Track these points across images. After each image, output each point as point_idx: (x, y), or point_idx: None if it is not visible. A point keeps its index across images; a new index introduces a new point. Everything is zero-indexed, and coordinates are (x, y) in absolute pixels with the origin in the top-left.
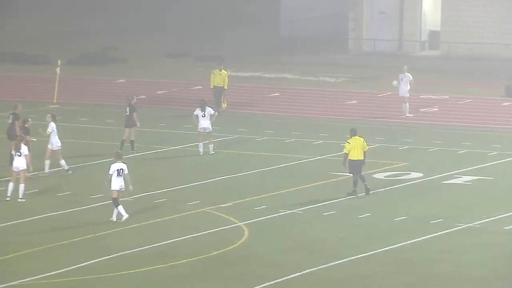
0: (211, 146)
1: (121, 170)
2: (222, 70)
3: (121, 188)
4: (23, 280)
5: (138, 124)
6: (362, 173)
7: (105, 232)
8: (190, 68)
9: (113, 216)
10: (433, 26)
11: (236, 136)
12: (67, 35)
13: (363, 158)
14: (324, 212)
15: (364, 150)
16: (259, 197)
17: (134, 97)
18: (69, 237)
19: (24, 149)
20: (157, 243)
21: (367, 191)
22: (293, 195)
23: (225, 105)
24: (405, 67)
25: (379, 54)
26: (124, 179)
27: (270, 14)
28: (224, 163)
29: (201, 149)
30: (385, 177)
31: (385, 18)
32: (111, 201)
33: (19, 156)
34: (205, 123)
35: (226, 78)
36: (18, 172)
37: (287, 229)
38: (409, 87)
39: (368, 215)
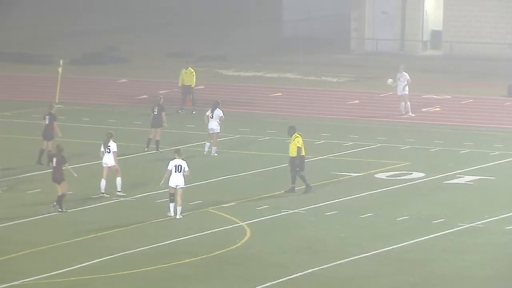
0: (214, 148)
1: (180, 166)
2: (189, 68)
3: (177, 186)
4: (24, 280)
5: (165, 124)
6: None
7: (106, 232)
8: (194, 68)
9: (171, 211)
10: (435, 25)
11: (238, 136)
12: (70, 35)
13: (295, 155)
14: (326, 212)
15: (297, 146)
16: (261, 197)
17: (162, 97)
18: (70, 237)
19: (113, 145)
20: (159, 243)
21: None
22: (295, 195)
23: (190, 104)
24: (402, 66)
25: (381, 53)
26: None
27: (272, 14)
28: (226, 163)
29: (206, 149)
30: (387, 177)
31: (387, 18)
32: (112, 201)
33: (108, 152)
34: (212, 124)
35: (194, 77)
36: (109, 168)
37: (289, 229)
38: (407, 87)
39: (370, 215)
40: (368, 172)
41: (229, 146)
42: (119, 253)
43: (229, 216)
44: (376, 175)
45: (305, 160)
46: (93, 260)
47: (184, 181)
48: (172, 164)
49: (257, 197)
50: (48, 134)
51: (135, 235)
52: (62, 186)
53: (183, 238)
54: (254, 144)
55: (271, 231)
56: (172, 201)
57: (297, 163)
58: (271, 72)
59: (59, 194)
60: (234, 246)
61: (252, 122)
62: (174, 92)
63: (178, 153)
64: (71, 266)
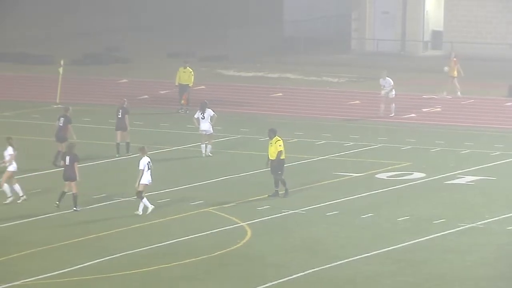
0: (209, 147)
1: (150, 163)
2: (187, 68)
3: (149, 182)
4: (25, 280)
5: (128, 127)
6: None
7: (108, 232)
8: (193, 68)
9: (139, 210)
10: (436, 26)
11: (239, 136)
12: (70, 35)
13: (274, 158)
14: (327, 212)
15: (278, 150)
16: (262, 197)
17: (126, 100)
18: (71, 237)
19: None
20: (160, 243)
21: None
22: (296, 195)
23: (184, 102)
24: (385, 71)
25: (382, 54)
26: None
27: (273, 14)
28: (227, 163)
29: (203, 151)
30: (387, 177)
31: (388, 18)
32: (115, 201)
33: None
34: (204, 125)
35: (192, 76)
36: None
37: (290, 229)
38: (393, 91)
39: (371, 215)
40: (369, 172)
41: (230, 146)
42: (120, 253)
43: (229, 216)
44: (377, 175)
45: (308, 161)
46: (94, 260)
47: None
48: (143, 163)
49: (258, 197)
50: (61, 136)
51: (135, 235)
52: (74, 184)
53: (184, 238)
54: (255, 144)
55: (271, 231)
56: (140, 197)
57: (278, 167)
58: (272, 72)
59: (73, 192)
60: (235, 246)
61: (253, 122)
62: (174, 92)
63: (143, 151)
64: (72, 266)
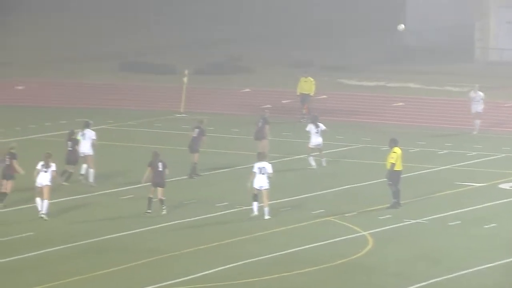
0: (323, 159)
1: (263, 168)
2: (308, 77)
3: (261, 187)
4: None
5: (268, 137)
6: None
7: (230, 240)
8: (314, 77)
9: (254, 211)
10: None
11: (360, 145)
12: (193, 45)
13: (389, 169)
14: (449, 222)
15: (390, 162)
16: (383, 206)
17: (267, 111)
18: (194, 244)
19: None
20: (281, 251)
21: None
22: (417, 205)
23: (306, 111)
24: (477, 85)
25: (506, 63)
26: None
27: (394, 23)
28: (348, 172)
29: (313, 163)
30: (511, 187)
31: None
32: (237, 209)
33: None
34: (317, 139)
35: (313, 85)
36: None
37: (411, 238)
38: (482, 105)
39: (494, 225)
40: (492, 182)
41: (352, 156)
42: (241, 261)
43: (351, 225)
44: (499, 185)
45: (430, 170)
46: (216, 268)
47: (268, 183)
48: (257, 166)
49: (379, 206)
50: (194, 146)
51: (257, 243)
52: (161, 191)
53: (305, 247)
54: (376, 153)
55: (393, 240)
56: (255, 200)
57: (391, 177)
58: (393, 82)
59: (160, 198)
60: (356, 255)
61: (373, 132)
62: (296, 101)
63: (260, 156)
64: (195, 274)
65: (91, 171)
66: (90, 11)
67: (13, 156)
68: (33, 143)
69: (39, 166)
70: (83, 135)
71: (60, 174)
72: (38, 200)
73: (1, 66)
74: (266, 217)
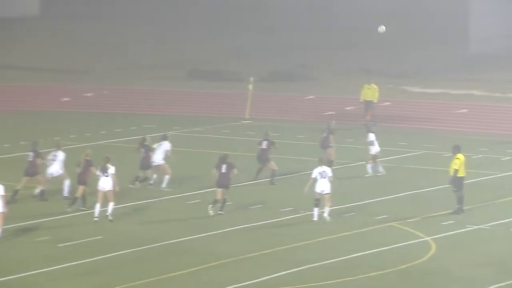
0: (380, 166)
1: (324, 173)
2: (372, 84)
3: (323, 191)
4: None
5: (333, 146)
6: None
7: (293, 245)
8: (378, 84)
9: (315, 216)
10: None
11: (424, 151)
12: (259, 52)
13: (452, 175)
14: (511, 228)
15: (453, 168)
16: (446, 212)
17: (334, 121)
18: (259, 249)
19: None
20: (344, 256)
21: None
22: (480, 211)
23: (370, 118)
24: None
25: None
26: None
27: (458, 31)
28: (411, 178)
29: (370, 170)
30: None
31: None
32: (301, 214)
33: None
34: (377, 148)
35: (376, 92)
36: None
37: (474, 244)
38: None
39: None
40: None
41: (415, 162)
42: (306, 265)
43: (414, 231)
44: None
45: (493, 177)
46: (280, 272)
47: (330, 187)
48: (316, 172)
49: (442, 212)
50: (263, 158)
51: (321, 248)
52: (227, 192)
53: (369, 252)
54: (439, 160)
55: (456, 246)
56: (316, 205)
57: (454, 183)
58: (457, 89)
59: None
60: (420, 260)
61: (437, 138)
62: (360, 108)
63: (321, 161)
64: (259, 278)
65: (167, 177)
66: (154, 20)
67: (89, 163)
68: (104, 149)
69: (98, 171)
70: (159, 145)
71: (133, 179)
72: (97, 205)
73: (78, 73)
74: (327, 217)
